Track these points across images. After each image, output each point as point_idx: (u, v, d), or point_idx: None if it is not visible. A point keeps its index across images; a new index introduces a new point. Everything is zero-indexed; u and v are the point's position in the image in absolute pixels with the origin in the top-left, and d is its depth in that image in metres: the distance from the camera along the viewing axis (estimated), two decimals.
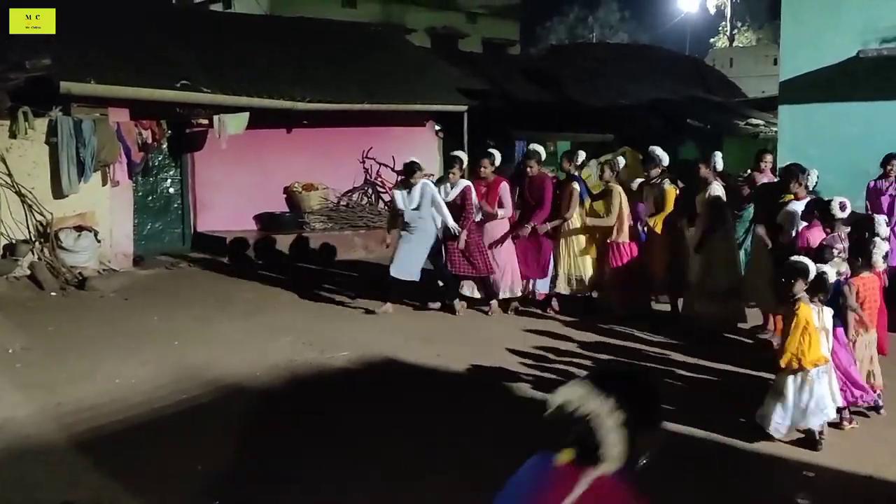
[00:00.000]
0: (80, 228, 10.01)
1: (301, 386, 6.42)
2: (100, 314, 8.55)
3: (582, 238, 8.45)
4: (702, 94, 19.88)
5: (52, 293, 9.33)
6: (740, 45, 53.62)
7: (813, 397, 4.88)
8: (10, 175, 9.68)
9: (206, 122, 11.32)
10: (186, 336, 7.68)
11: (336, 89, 12.65)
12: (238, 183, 11.97)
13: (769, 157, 9.22)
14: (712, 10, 54.41)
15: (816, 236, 6.17)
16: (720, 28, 55.59)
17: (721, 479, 4.78)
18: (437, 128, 14.53)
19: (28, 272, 9.58)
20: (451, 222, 8.24)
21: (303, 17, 17.38)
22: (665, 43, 40.96)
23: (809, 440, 5.01)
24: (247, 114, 11.23)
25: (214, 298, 9.33)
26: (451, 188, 8.42)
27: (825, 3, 9.69)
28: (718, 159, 7.70)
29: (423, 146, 13.84)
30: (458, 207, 8.33)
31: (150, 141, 10.78)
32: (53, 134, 9.89)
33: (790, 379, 4.94)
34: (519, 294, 8.62)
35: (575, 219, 8.41)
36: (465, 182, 8.41)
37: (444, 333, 7.88)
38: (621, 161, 8.63)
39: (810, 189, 7.08)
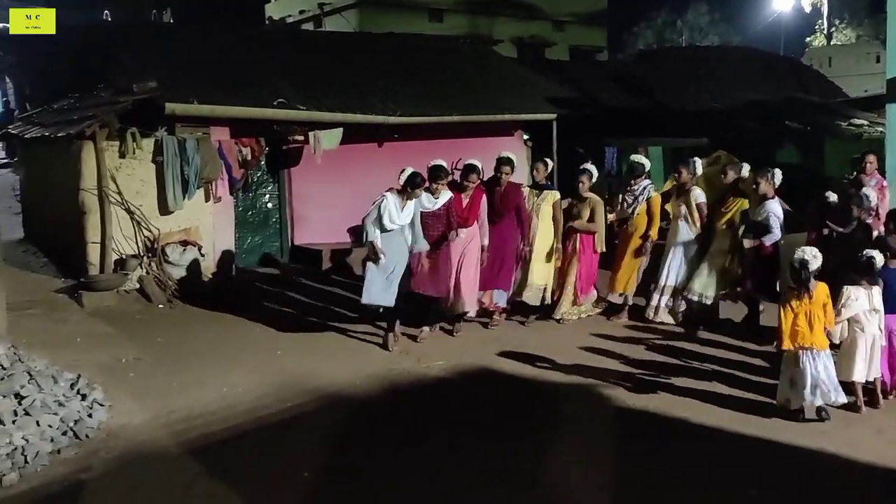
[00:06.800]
0: (184, 243, 10.39)
1: (400, 394, 6.53)
2: (205, 325, 8.86)
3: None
4: (800, 95, 19.15)
5: (160, 305, 9.71)
6: (839, 43, 51.57)
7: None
8: (119, 193, 10.14)
9: (301, 138, 11.57)
10: (288, 345, 7.88)
11: (425, 103, 12.76)
12: (333, 196, 12.18)
13: (872, 158, 9.12)
14: (808, 9, 52.55)
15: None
16: (817, 26, 53.61)
17: None
18: (526, 137, 14.48)
19: (137, 286, 10.02)
20: (421, 243, 7.76)
21: (392, 32, 17.62)
22: (758, 44, 39.65)
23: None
24: (340, 129, 11.44)
25: (313, 308, 9.55)
26: (436, 198, 7.93)
27: None
28: (699, 165, 8.53)
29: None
30: (442, 218, 7.91)
31: (249, 158, 11.10)
32: (159, 153, 10.30)
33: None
34: (472, 312, 8.25)
35: (545, 228, 8.54)
36: (450, 194, 8.01)
37: (536, 344, 7.85)
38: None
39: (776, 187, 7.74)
